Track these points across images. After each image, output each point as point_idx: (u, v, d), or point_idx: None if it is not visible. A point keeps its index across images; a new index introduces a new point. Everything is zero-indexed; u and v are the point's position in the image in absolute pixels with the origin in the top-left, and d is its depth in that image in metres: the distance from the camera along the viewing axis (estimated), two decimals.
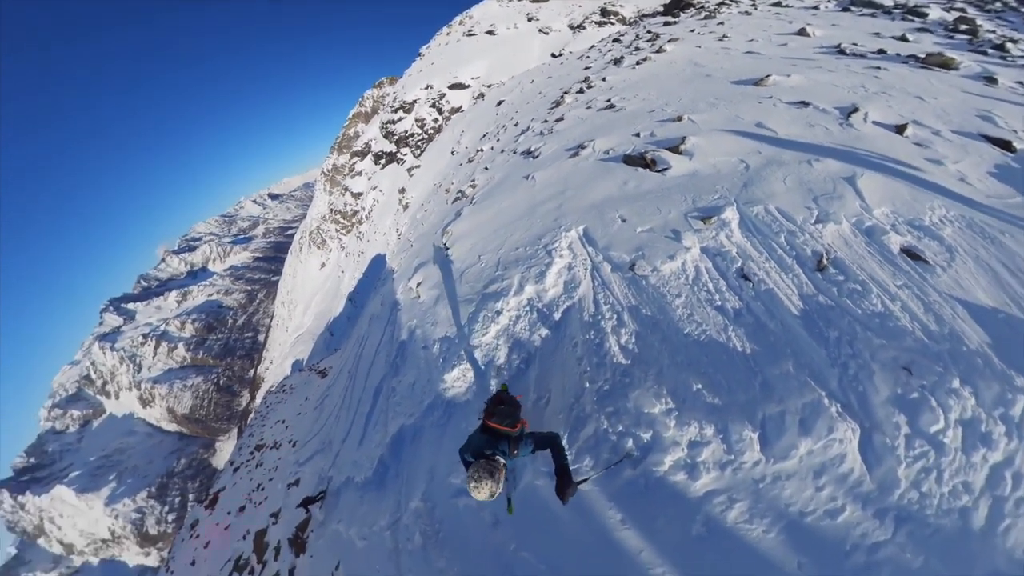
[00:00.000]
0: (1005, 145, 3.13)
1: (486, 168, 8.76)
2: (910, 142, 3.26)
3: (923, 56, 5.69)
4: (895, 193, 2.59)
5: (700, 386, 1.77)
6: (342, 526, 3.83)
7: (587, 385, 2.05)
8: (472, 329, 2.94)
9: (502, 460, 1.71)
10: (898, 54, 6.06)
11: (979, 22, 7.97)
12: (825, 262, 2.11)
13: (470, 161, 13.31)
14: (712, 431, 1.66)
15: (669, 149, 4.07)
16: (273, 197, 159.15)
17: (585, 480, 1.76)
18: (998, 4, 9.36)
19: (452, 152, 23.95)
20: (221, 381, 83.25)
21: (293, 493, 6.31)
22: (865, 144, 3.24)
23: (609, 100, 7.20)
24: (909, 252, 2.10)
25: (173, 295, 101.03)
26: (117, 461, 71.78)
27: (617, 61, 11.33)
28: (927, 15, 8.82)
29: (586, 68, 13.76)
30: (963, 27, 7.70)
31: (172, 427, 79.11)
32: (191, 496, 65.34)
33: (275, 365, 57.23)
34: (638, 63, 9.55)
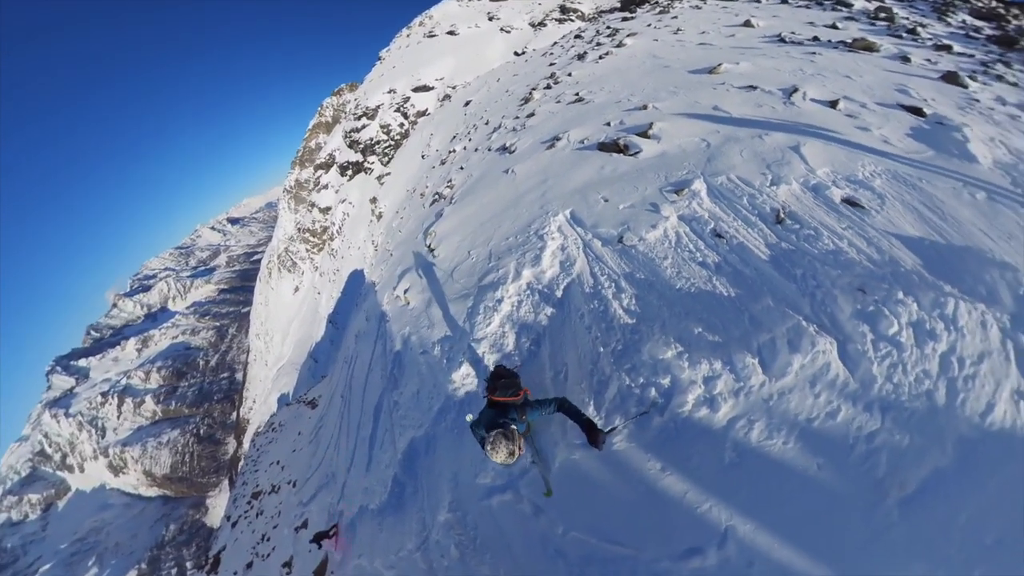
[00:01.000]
0: (917, 112, 3.74)
1: (461, 168, 8.83)
2: (842, 114, 3.81)
3: (850, 41, 6.45)
4: (833, 156, 3.06)
5: (700, 329, 2.07)
6: (365, 560, 3.62)
7: (601, 349, 2.24)
8: (474, 323, 3.01)
9: (514, 427, 1.82)
10: (830, 40, 6.83)
11: (895, 10, 9.10)
12: (782, 215, 2.52)
13: (443, 163, 13.25)
14: (720, 364, 1.94)
15: (639, 135, 4.41)
16: (233, 221, 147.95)
17: (613, 428, 1.89)
18: None
19: (422, 156, 23.61)
20: (201, 431, 76.76)
21: (303, 537, 5.95)
22: (805, 118, 3.77)
23: (577, 94, 7.50)
24: (849, 201, 2.55)
25: (131, 343, 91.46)
26: (95, 543, 64.21)
27: (581, 56, 11.70)
28: (852, 5, 9.94)
29: (551, 64, 14.08)
30: (882, 15, 8.80)
31: (153, 492, 71.95)
32: (189, 564, 59.85)
33: (259, 404, 53.76)
34: (601, 58, 9.97)
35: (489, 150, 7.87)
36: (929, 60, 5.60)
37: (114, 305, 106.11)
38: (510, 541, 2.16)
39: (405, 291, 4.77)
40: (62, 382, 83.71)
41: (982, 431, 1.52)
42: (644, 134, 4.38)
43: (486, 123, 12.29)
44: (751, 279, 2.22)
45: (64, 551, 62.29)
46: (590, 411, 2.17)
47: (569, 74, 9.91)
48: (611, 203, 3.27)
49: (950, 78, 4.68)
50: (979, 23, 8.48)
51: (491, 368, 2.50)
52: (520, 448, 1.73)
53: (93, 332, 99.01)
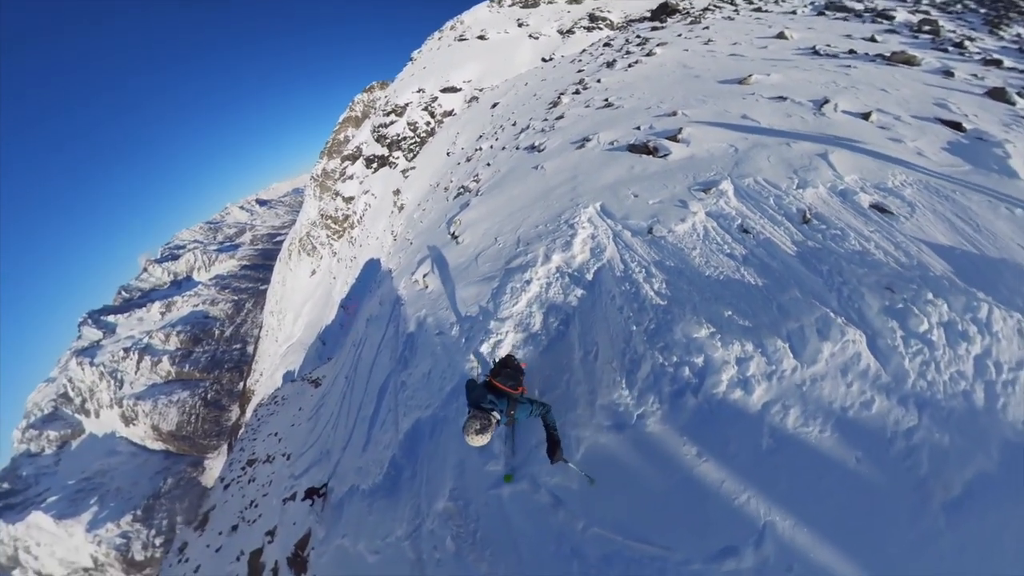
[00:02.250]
0: (956, 126, 3.68)
1: (488, 164, 9.09)
2: (875, 126, 3.80)
3: (889, 55, 6.35)
4: (862, 165, 3.07)
5: (730, 313, 2.11)
6: (348, 541, 3.52)
7: (634, 328, 2.25)
8: (499, 303, 3.03)
9: (496, 416, 1.86)
10: (867, 53, 6.71)
11: (941, 23, 8.73)
12: (809, 216, 2.57)
13: (468, 160, 13.63)
14: (751, 347, 1.95)
15: (668, 138, 4.51)
16: (261, 203, 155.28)
17: (569, 463, 1.90)
18: (959, 6, 10.29)
19: (448, 153, 24.25)
20: (209, 395, 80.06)
21: (290, 508, 5.92)
22: (835, 129, 3.77)
23: (606, 99, 7.66)
24: (877, 207, 2.56)
25: (156, 306, 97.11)
26: (99, 484, 67.93)
27: (610, 64, 11.89)
28: (894, 17, 9.68)
29: (579, 71, 14.33)
30: (926, 28, 8.46)
31: (158, 445, 75.51)
32: (179, 518, 62.10)
33: (265, 377, 55.53)
34: (630, 66, 10.11)
35: (517, 148, 8.08)
36: (975, 75, 5.42)
37: (144, 269, 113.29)
38: (517, 536, 1.99)
39: (424, 275, 4.89)
40: (91, 334, 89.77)
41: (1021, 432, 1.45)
42: (673, 138, 4.49)
43: (513, 124, 12.57)
44: (778, 271, 2.26)
45: (71, 487, 65.91)
46: (623, 391, 2.10)
47: (598, 80, 10.11)
48: (640, 198, 3.38)
49: (996, 94, 4.51)
50: None
51: (499, 357, 2.49)
52: (490, 435, 1.77)
53: (124, 292, 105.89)
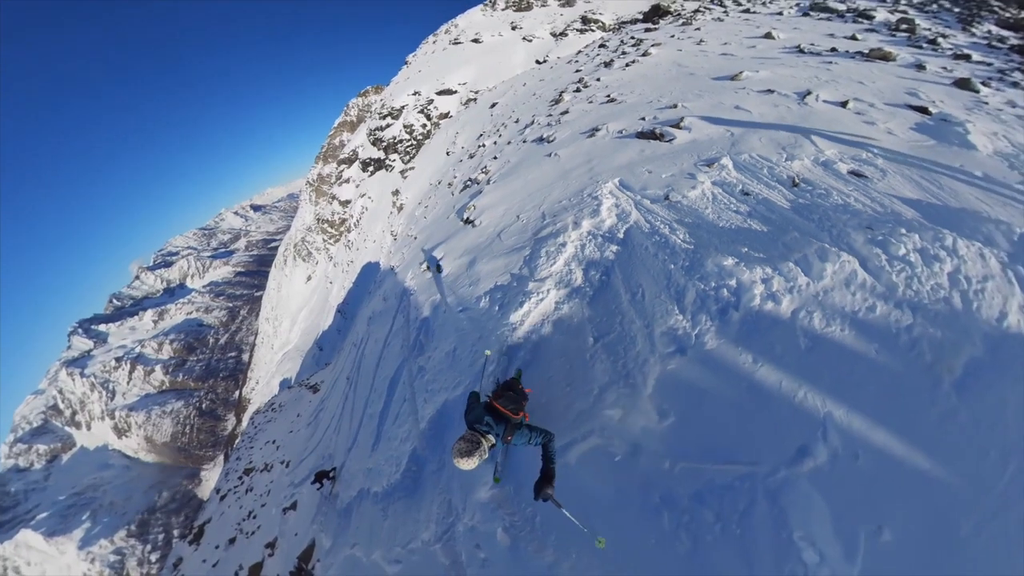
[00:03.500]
0: (923, 110, 4.20)
1: (494, 157, 9.48)
2: (851, 112, 4.31)
3: (867, 52, 6.90)
4: (840, 140, 3.57)
5: (746, 249, 2.54)
6: (360, 551, 3.29)
7: (672, 267, 2.61)
8: (535, 266, 3.21)
9: (492, 439, 1.82)
10: (847, 51, 7.28)
11: (918, 21, 9.28)
12: (797, 181, 3.06)
13: (471, 157, 14.03)
14: (770, 270, 2.34)
15: (671, 126, 5.01)
16: (256, 208, 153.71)
17: (558, 504, 1.76)
18: (935, 5, 10.83)
19: (447, 153, 24.64)
20: (204, 405, 78.61)
21: (291, 518, 5.72)
22: (816, 116, 4.29)
23: (609, 95, 8.14)
24: (854, 172, 3.05)
25: (149, 314, 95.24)
26: (91, 499, 65.98)
27: (607, 64, 12.43)
28: (874, 17, 10.24)
29: (577, 71, 14.88)
30: (904, 26, 9.03)
31: (151, 458, 73.77)
32: (176, 532, 60.58)
33: (261, 385, 54.87)
34: (627, 65, 10.63)
35: (524, 142, 8.47)
36: (945, 68, 5.95)
37: (136, 277, 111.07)
38: (592, 504, 1.90)
39: (437, 264, 4.90)
40: (81, 343, 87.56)
41: (1002, 332, 1.81)
42: (676, 126, 4.98)
43: (516, 121, 13.01)
44: (777, 221, 2.73)
45: (61, 503, 64.01)
46: (677, 316, 2.31)
47: (598, 79, 10.64)
48: (654, 174, 3.82)
49: (962, 83, 5.08)
50: (1005, 33, 8.52)
51: (507, 377, 2.48)
52: (479, 460, 1.73)
53: (115, 300, 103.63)
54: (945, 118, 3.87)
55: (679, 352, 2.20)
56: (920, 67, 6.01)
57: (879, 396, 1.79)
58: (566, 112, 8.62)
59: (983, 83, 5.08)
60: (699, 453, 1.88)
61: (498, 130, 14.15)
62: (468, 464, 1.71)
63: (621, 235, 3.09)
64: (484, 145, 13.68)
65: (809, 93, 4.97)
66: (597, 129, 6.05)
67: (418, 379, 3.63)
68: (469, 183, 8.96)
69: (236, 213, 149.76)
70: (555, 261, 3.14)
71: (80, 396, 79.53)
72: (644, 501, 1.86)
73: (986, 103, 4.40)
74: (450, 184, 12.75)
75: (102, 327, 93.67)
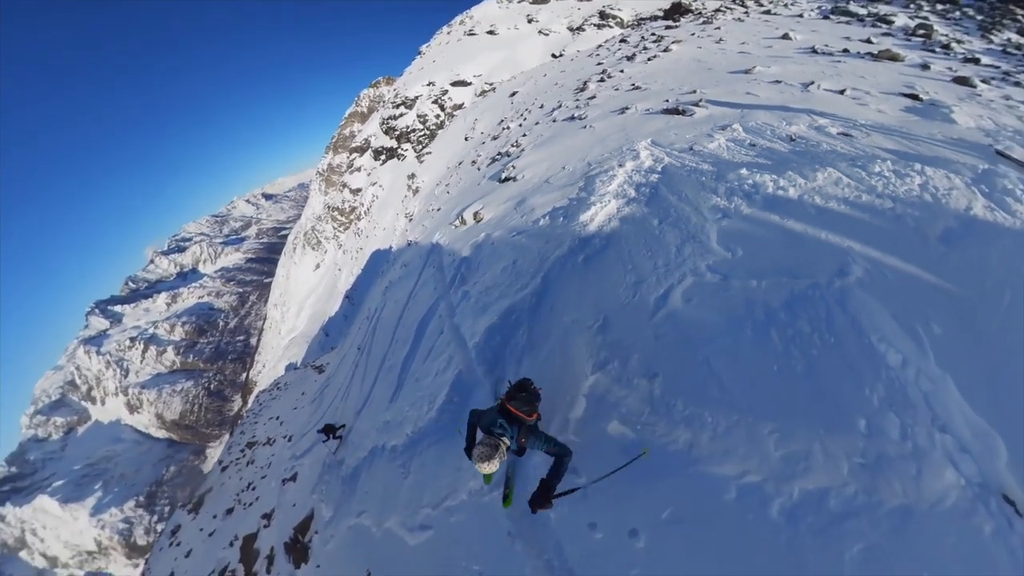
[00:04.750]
0: (915, 97, 4.93)
1: (524, 135, 10.21)
2: (847, 97, 5.08)
3: (877, 53, 7.51)
4: (834, 116, 4.35)
5: (756, 169, 3.40)
6: (368, 519, 3.04)
7: (703, 179, 3.43)
8: (593, 188, 3.78)
9: (507, 441, 1.79)
10: (858, 52, 7.87)
11: (936, 28, 9.69)
12: (794, 137, 3.88)
13: (495, 139, 14.76)
14: (776, 176, 3.14)
15: (691, 105, 5.83)
16: (267, 197, 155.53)
17: (573, 491, 1.84)
18: (957, 13, 11.34)
19: (466, 138, 25.32)
20: (212, 386, 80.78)
21: (290, 489, 5.60)
22: (816, 99, 5.07)
23: (633, 84, 8.90)
24: (843, 133, 3.85)
25: (162, 297, 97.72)
26: (103, 469, 68.61)
27: (630, 58, 13.13)
28: (893, 22, 10.67)
29: (599, 64, 15.52)
30: (921, 32, 9.47)
31: (161, 434, 76.23)
32: (180, 505, 62.61)
33: (268, 369, 56.17)
34: (649, 59, 11.38)
35: (554, 121, 9.21)
36: (950, 68, 6.52)
37: (151, 261, 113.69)
38: (714, 332, 2.16)
39: (475, 213, 5.60)
40: (98, 323, 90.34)
41: (969, 216, 2.36)
42: (695, 105, 5.81)
43: (540, 107, 13.78)
44: (778, 159, 3.54)
45: (76, 472, 66.79)
46: (717, 198, 2.97)
47: (621, 71, 11.36)
48: (679, 135, 4.66)
49: (961, 80, 5.69)
50: None
51: (518, 380, 2.25)
52: (500, 462, 1.72)
53: (131, 283, 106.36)
54: (934, 103, 4.55)
55: (725, 217, 2.90)
56: (925, 67, 6.57)
57: (882, 240, 2.38)
58: (593, 97, 9.40)
59: (983, 81, 5.62)
60: (772, 271, 2.34)
61: (522, 115, 14.82)
62: (488, 467, 1.72)
63: (659, 169, 3.90)
64: (508, 128, 14.38)
65: (812, 83, 5.73)
66: (627, 108, 6.86)
67: (461, 306, 3.58)
68: (499, 156, 9.70)
69: (248, 201, 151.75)
70: (610, 184, 3.85)
71: (96, 373, 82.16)
72: (754, 318, 2.16)
73: (980, 95, 4.99)
74: (474, 162, 13.53)
75: (118, 308, 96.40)
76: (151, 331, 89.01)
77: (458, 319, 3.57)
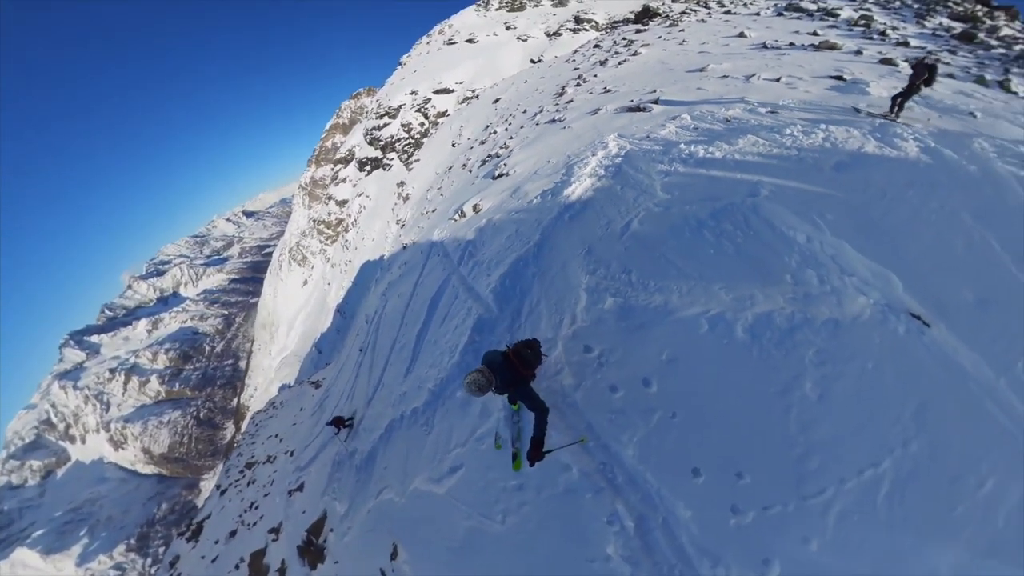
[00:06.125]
0: (839, 78, 5.94)
1: (511, 138, 11.02)
2: (782, 84, 6.07)
3: (818, 44, 8.57)
4: (765, 99, 5.32)
5: (692, 142, 4.41)
6: (390, 492, 3.20)
7: (653, 156, 4.36)
8: (572, 173, 4.74)
9: (495, 381, 1.99)
10: (803, 44, 8.92)
11: (876, 17, 10.71)
12: (729, 119, 4.83)
13: (482, 143, 15.46)
14: (708, 143, 4.18)
15: (650, 103, 6.79)
16: (248, 215, 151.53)
17: (552, 451, 2.16)
18: (897, 2, 12.36)
19: (453, 144, 25.94)
20: (201, 414, 77.51)
21: (297, 499, 5.38)
22: (755, 88, 6.06)
23: (605, 87, 9.85)
24: (771, 111, 4.82)
25: (142, 324, 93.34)
26: (88, 514, 64.40)
27: (603, 63, 14.16)
28: (839, 15, 11.66)
29: (575, 69, 16.51)
30: (862, 22, 10.53)
31: (149, 469, 72.35)
32: (178, 534, 59.17)
33: (260, 392, 54.71)
34: (620, 64, 12.35)
35: (537, 124, 10.15)
36: (880, 52, 7.46)
37: (129, 287, 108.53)
38: (663, 240, 3.16)
39: (475, 205, 6.25)
40: (74, 355, 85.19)
41: (860, 152, 3.42)
42: (654, 102, 6.78)
43: (523, 111, 14.64)
44: (714, 135, 4.44)
45: (58, 519, 62.65)
46: (660, 166, 3.87)
47: (595, 75, 12.33)
48: (639, 127, 5.65)
49: (885, 61, 6.73)
50: (955, 24, 10.01)
51: (524, 337, 2.75)
52: (482, 394, 1.96)
53: (107, 311, 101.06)
54: (855, 81, 5.55)
55: (666, 176, 3.94)
56: (859, 52, 7.58)
57: (785, 172, 3.31)
58: (571, 101, 10.31)
59: (905, 60, 6.60)
60: (699, 199, 3.37)
61: (507, 120, 15.70)
62: (476, 392, 1.96)
63: (623, 154, 4.75)
64: (495, 132, 15.22)
65: (754, 75, 6.73)
66: (599, 109, 7.76)
67: (473, 272, 4.28)
68: (489, 158, 10.47)
69: (229, 220, 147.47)
70: (585, 168, 4.78)
71: (74, 409, 77.50)
72: (689, 226, 3.12)
73: (900, 71, 5.97)
74: (464, 165, 14.16)
75: (94, 338, 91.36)
76: (132, 360, 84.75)
77: (471, 281, 4.22)
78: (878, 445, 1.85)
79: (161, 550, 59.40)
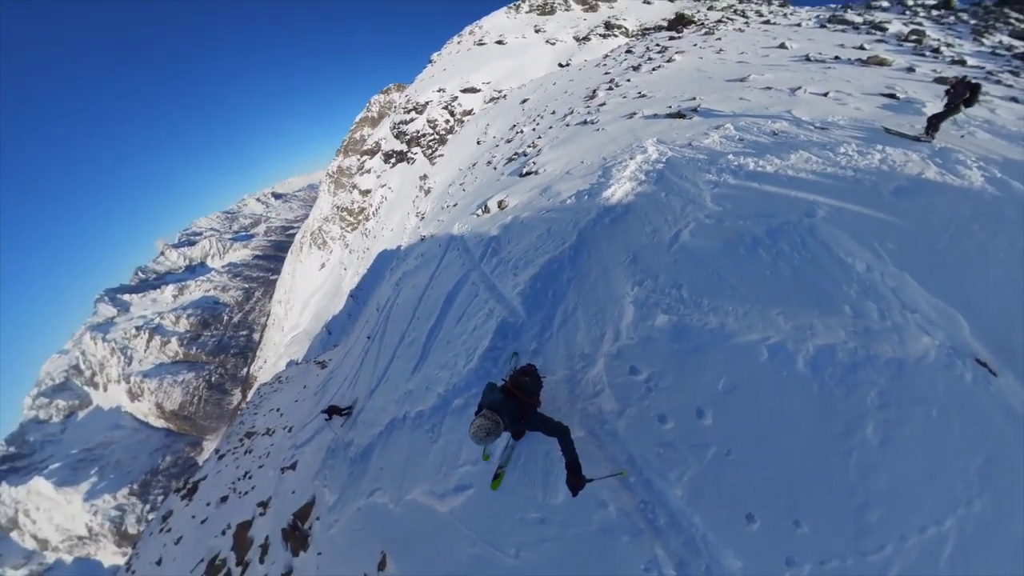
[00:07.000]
0: (892, 96, 5.59)
1: (539, 137, 10.95)
2: (830, 99, 5.77)
3: (866, 59, 8.11)
4: (813, 113, 5.07)
5: (742, 155, 4.21)
6: (384, 496, 2.95)
7: (699, 164, 4.22)
8: (610, 175, 4.54)
9: (499, 419, 1.84)
10: (849, 59, 8.46)
11: (929, 33, 10.01)
12: (777, 132, 4.62)
13: (508, 142, 15.56)
14: (758, 158, 4.00)
15: (690, 110, 6.57)
16: (277, 196, 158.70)
17: (592, 480, 1.85)
18: (952, 18, 11.64)
19: (478, 142, 26.27)
20: (213, 378, 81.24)
21: (288, 478, 5.35)
22: (801, 101, 5.78)
23: (640, 92, 9.69)
24: (821, 128, 4.57)
25: (170, 289, 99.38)
26: (100, 455, 68.75)
27: (635, 68, 13.94)
28: (887, 29, 11.04)
29: (606, 73, 16.42)
30: (913, 37, 9.87)
31: (160, 423, 76.44)
32: (174, 490, 61.99)
33: (269, 364, 56.10)
34: (654, 69, 12.16)
35: (568, 125, 9.98)
36: (934, 71, 7.00)
37: (161, 252, 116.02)
38: (715, 256, 2.92)
39: (500, 202, 6.12)
40: (106, 310, 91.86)
41: (920, 178, 3.23)
42: (694, 110, 6.55)
43: (552, 112, 14.62)
44: (761, 147, 4.28)
45: (73, 456, 67.22)
46: (708, 175, 3.74)
47: (628, 80, 12.18)
48: (680, 134, 5.45)
49: (940, 80, 6.30)
50: (1016, 43, 9.13)
51: (524, 365, 2.41)
52: (491, 443, 1.81)
53: (140, 273, 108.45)
54: (909, 100, 5.23)
55: (716, 187, 3.78)
56: (911, 69, 7.12)
57: (842, 194, 3.09)
58: (603, 104, 10.19)
59: (939, 79, 6.20)
60: (753, 215, 3.16)
61: (535, 120, 15.65)
62: (485, 440, 1.83)
63: (664, 160, 4.63)
64: (522, 132, 15.21)
65: (799, 88, 6.41)
66: (634, 113, 7.59)
67: (497, 271, 4.04)
68: (515, 156, 10.42)
69: (258, 199, 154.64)
70: (624, 171, 4.62)
71: (100, 359, 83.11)
72: (744, 242, 2.90)
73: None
74: (489, 162, 14.27)
75: (126, 297, 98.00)
76: (157, 321, 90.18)
77: (494, 280, 3.99)
78: (942, 501, 1.69)
79: (160, 499, 62.46)
